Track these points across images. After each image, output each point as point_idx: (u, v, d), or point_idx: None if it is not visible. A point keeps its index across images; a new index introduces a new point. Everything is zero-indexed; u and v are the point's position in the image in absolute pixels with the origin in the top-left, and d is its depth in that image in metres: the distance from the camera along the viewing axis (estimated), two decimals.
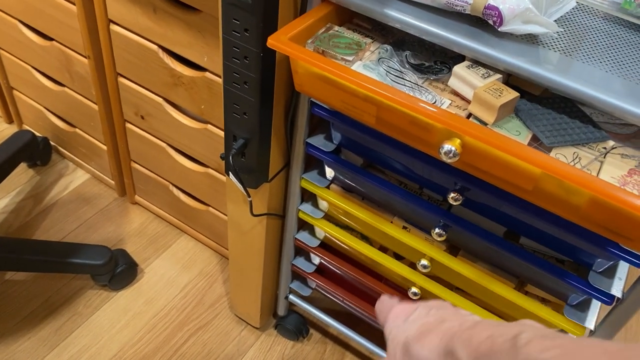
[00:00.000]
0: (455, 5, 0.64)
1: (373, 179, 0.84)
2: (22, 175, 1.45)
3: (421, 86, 0.67)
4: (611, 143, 0.61)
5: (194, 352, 1.17)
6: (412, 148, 0.68)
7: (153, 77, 1.08)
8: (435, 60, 0.71)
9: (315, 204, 0.98)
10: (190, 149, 1.15)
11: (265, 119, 0.81)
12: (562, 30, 0.67)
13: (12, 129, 1.56)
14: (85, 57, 1.16)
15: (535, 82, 0.61)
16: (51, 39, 1.22)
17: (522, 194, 0.61)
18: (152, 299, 1.24)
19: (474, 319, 0.39)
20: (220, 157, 0.89)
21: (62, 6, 1.10)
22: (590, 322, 0.76)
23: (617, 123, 0.63)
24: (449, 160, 0.60)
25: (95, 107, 1.25)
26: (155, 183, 1.31)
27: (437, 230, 0.79)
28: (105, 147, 1.34)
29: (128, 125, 1.24)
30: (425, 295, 0.91)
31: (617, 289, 0.70)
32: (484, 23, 0.64)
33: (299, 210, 0.97)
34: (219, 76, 0.96)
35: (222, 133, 1.03)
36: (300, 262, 1.07)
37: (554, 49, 0.64)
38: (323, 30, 0.71)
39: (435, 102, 0.65)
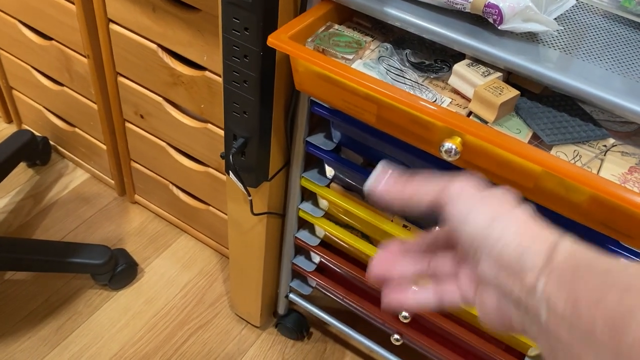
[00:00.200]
0: (455, 4, 0.64)
1: None
2: (21, 175, 1.45)
3: (421, 84, 0.67)
4: (611, 141, 0.61)
5: (195, 351, 1.17)
6: (412, 146, 0.68)
7: (153, 77, 1.08)
8: (435, 59, 0.71)
9: (316, 203, 0.98)
10: (190, 148, 1.15)
11: (265, 117, 0.81)
12: (562, 28, 0.67)
13: (12, 129, 1.56)
14: (84, 56, 1.16)
15: (535, 80, 0.61)
16: (50, 39, 1.21)
17: (523, 191, 0.61)
18: (152, 298, 1.24)
19: None
20: (221, 156, 0.89)
21: (61, 6, 1.10)
22: None
23: (618, 121, 0.63)
24: (449, 159, 0.60)
25: (95, 106, 1.25)
26: (155, 182, 1.31)
27: (437, 228, 0.79)
28: (104, 147, 1.34)
29: (128, 124, 1.24)
30: None
31: None
32: (484, 21, 0.64)
33: (299, 209, 0.97)
34: (219, 75, 0.96)
35: (222, 132, 1.03)
36: (301, 261, 1.07)
37: (554, 47, 0.64)
38: (323, 28, 0.71)
39: (435, 100, 0.65)
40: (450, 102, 0.66)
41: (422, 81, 0.68)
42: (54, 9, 1.13)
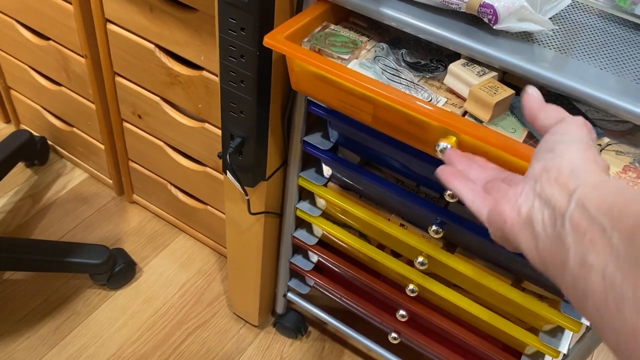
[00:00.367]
0: (451, 4, 0.64)
1: (370, 177, 0.84)
2: (19, 175, 1.45)
3: (417, 84, 0.67)
4: (606, 140, 0.62)
5: (193, 350, 1.17)
6: (409, 146, 0.68)
7: (150, 76, 1.08)
8: (431, 59, 0.72)
9: (313, 202, 0.98)
10: (188, 147, 1.15)
11: (262, 117, 0.81)
12: (557, 27, 0.68)
13: (10, 129, 1.56)
14: (82, 56, 1.17)
15: (530, 80, 0.62)
16: (48, 39, 1.22)
17: None
18: (150, 297, 1.25)
19: None
20: (218, 155, 0.90)
21: (58, 5, 1.10)
22: None
23: (612, 120, 0.63)
24: (446, 166, 0.59)
25: (93, 106, 1.25)
26: (153, 182, 1.31)
27: (434, 227, 0.80)
28: (102, 147, 1.34)
29: (125, 124, 1.24)
30: (422, 293, 0.91)
31: None
32: (479, 21, 0.64)
33: (297, 208, 0.97)
34: (216, 75, 0.96)
35: (219, 132, 1.03)
36: (299, 260, 1.07)
37: (549, 46, 0.64)
38: (319, 28, 0.71)
39: (431, 100, 0.65)
40: (446, 102, 0.66)
41: (418, 81, 0.69)
42: (51, 8, 1.13)
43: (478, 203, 0.46)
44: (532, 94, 0.46)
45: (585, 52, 0.64)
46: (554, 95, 0.65)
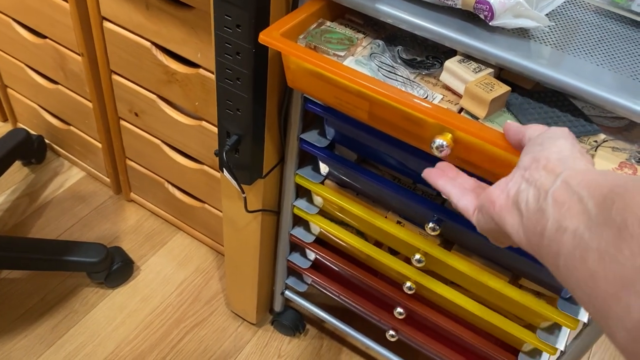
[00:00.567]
0: (447, 0, 0.64)
1: (367, 174, 0.84)
2: (17, 174, 1.45)
3: (413, 81, 0.67)
4: (602, 136, 0.61)
5: (191, 349, 1.17)
6: (405, 143, 0.68)
7: (147, 74, 1.08)
8: (427, 55, 0.71)
9: (310, 200, 0.98)
10: (185, 145, 1.15)
11: (258, 115, 0.81)
12: (554, 24, 0.67)
13: (7, 128, 1.55)
14: (78, 54, 1.16)
15: (526, 76, 0.61)
16: (45, 37, 1.21)
17: None
18: (148, 296, 1.25)
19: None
20: (215, 153, 0.90)
21: (54, 4, 1.10)
22: (584, 315, 0.76)
23: (609, 116, 0.63)
24: (440, 155, 0.60)
25: (90, 104, 1.25)
26: (151, 180, 1.31)
27: (431, 224, 0.80)
28: (100, 145, 1.34)
29: (122, 122, 1.24)
30: (420, 290, 0.91)
31: None
32: (475, 17, 0.64)
33: (294, 206, 0.97)
34: (213, 73, 0.96)
35: (216, 129, 1.03)
36: (296, 258, 1.07)
37: (545, 42, 0.64)
38: (315, 25, 0.71)
39: (427, 97, 0.65)
40: (442, 99, 0.66)
41: (414, 78, 0.68)
42: (47, 7, 1.12)
43: (465, 201, 0.49)
44: (509, 123, 0.51)
45: (582, 49, 0.64)
46: (550, 92, 0.65)
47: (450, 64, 0.64)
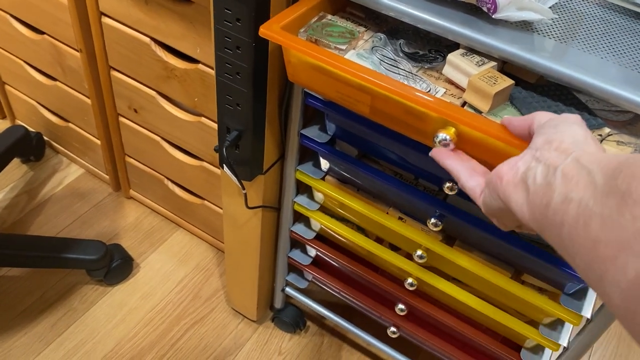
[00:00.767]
0: None
1: (368, 170, 0.83)
2: (15, 171, 1.44)
3: (415, 75, 0.67)
4: (607, 130, 0.61)
5: (191, 346, 1.17)
6: (407, 138, 0.67)
7: (146, 70, 1.07)
8: (429, 49, 0.71)
9: (311, 196, 0.97)
10: (185, 142, 1.14)
11: (258, 110, 0.80)
12: (557, 16, 0.67)
13: (5, 124, 1.55)
14: (77, 50, 1.15)
15: (530, 70, 0.61)
16: (43, 33, 1.20)
17: None
18: (148, 293, 1.24)
19: None
20: (214, 149, 0.89)
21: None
22: (587, 311, 0.75)
23: (613, 110, 0.63)
24: (441, 147, 0.59)
25: (88, 101, 1.24)
26: (150, 177, 1.30)
27: (432, 220, 0.79)
28: (99, 142, 1.33)
29: (121, 119, 1.23)
30: (421, 286, 0.90)
31: None
32: (479, 10, 0.63)
33: (294, 202, 0.96)
34: (212, 68, 0.95)
35: (216, 125, 1.02)
36: (296, 255, 1.07)
37: (549, 35, 0.63)
38: (316, 19, 0.70)
39: (429, 90, 0.65)
40: (445, 92, 0.65)
41: (416, 71, 0.68)
42: (45, 2, 1.12)
43: (473, 181, 0.49)
44: (507, 117, 0.52)
45: (586, 41, 0.63)
46: (554, 86, 0.64)
47: (453, 57, 0.64)
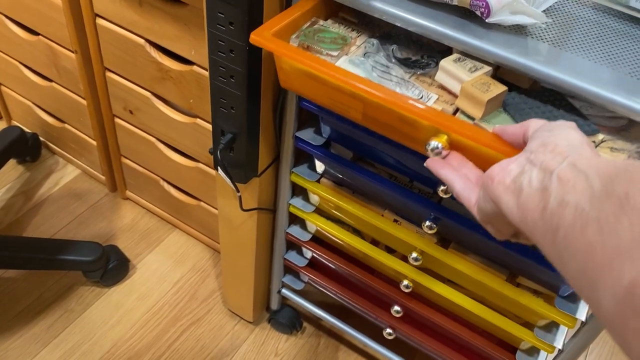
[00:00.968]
0: None
1: (363, 173, 0.83)
2: (11, 172, 1.44)
3: (408, 81, 0.66)
4: (601, 136, 0.61)
5: (188, 347, 1.17)
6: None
7: (141, 72, 1.07)
8: (422, 55, 0.70)
9: (306, 198, 0.97)
10: (180, 143, 1.14)
11: (252, 113, 0.80)
12: (551, 20, 0.67)
13: (1, 125, 1.54)
14: (72, 51, 1.15)
15: (523, 74, 0.61)
16: (38, 34, 1.20)
17: None
18: (144, 294, 1.24)
19: None
20: (209, 151, 0.89)
21: (47, 0, 1.09)
22: (582, 313, 0.75)
23: (607, 116, 0.62)
24: (436, 157, 0.59)
25: (84, 102, 1.24)
26: (146, 178, 1.30)
27: (427, 223, 0.79)
28: (94, 143, 1.33)
29: (117, 120, 1.23)
30: (417, 288, 0.90)
31: None
32: (472, 14, 0.63)
33: (290, 204, 0.96)
34: (207, 70, 0.95)
35: (211, 127, 1.02)
36: (292, 256, 1.06)
37: (542, 39, 0.63)
38: (308, 24, 0.70)
39: (422, 97, 0.64)
40: (437, 99, 0.64)
41: (409, 77, 0.67)
42: (39, 3, 1.11)
43: (467, 190, 0.48)
44: (500, 126, 0.51)
45: (580, 45, 0.63)
46: (548, 91, 0.64)
47: (446, 63, 0.63)
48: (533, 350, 0.87)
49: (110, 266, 1.21)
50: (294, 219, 1.02)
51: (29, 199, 1.39)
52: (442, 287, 0.87)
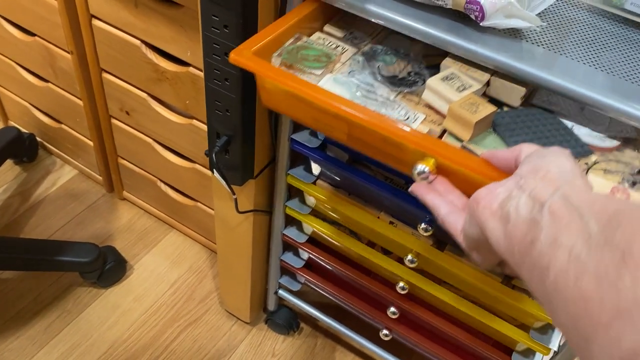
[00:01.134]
0: (437, 0, 0.63)
1: (359, 175, 0.83)
2: (8, 173, 1.44)
3: (393, 100, 0.64)
4: (593, 158, 0.59)
5: (185, 348, 1.17)
6: None
7: (137, 73, 1.06)
8: (409, 72, 0.68)
9: (303, 200, 0.97)
10: (177, 144, 1.14)
11: (247, 115, 0.80)
12: (546, 24, 0.66)
13: None
14: (68, 52, 1.15)
15: (517, 78, 0.61)
16: (34, 35, 1.20)
17: None
18: (141, 295, 1.24)
19: None
20: (205, 153, 0.88)
21: (43, 1, 1.09)
22: None
23: (600, 136, 0.61)
24: (421, 182, 0.54)
25: (80, 102, 1.24)
26: (143, 179, 1.30)
27: (423, 225, 0.79)
28: (91, 143, 1.32)
29: (113, 121, 1.23)
30: (413, 290, 0.90)
31: None
32: (466, 18, 0.63)
33: (286, 206, 0.96)
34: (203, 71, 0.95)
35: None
36: (289, 258, 1.06)
37: (537, 43, 0.63)
38: (291, 40, 0.68)
39: (408, 117, 0.62)
40: (424, 119, 0.62)
41: (394, 97, 0.65)
42: (35, 4, 1.11)
43: (453, 216, 0.46)
44: (490, 151, 0.49)
45: (575, 49, 0.63)
46: (539, 110, 0.63)
47: (433, 82, 0.61)
48: (529, 352, 0.87)
49: (107, 267, 1.21)
50: (290, 221, 1.02)
51: (25, 200, 1.39)
52: (438, 289, 0.87)
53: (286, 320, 1.18)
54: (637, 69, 0.61)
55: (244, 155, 0.84)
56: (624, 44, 0.65)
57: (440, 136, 0.62)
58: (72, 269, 1.22)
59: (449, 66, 0.65)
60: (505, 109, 0.65)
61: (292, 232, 1.01)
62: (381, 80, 0.67)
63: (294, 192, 0.97)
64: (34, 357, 1.12)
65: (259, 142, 0.86)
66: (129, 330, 1.18)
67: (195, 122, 1.06)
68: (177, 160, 1.17)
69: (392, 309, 0.95)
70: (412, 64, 0.69)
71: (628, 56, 0.63)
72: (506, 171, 0.47)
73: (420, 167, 0.52)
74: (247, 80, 0.75)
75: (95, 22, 1.05)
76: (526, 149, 0.44)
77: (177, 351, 1.16)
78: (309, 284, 1.07)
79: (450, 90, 0.60)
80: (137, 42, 1.01)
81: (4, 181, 1.42)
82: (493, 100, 0.63)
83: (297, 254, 1.07)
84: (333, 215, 0.95)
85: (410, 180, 0.83)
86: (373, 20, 0.65)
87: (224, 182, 0.86)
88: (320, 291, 1.06)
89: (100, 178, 1.41)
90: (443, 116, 0.62)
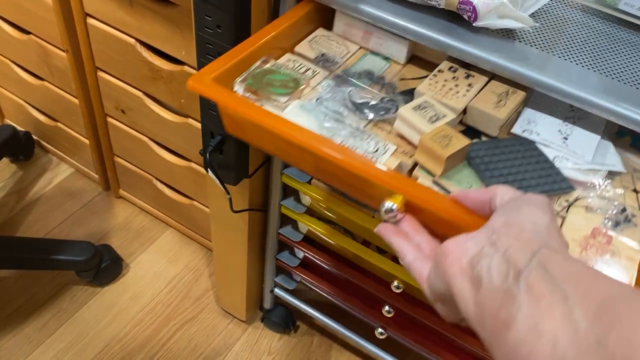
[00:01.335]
0: (430, 0, 0.63)
1: None
2: (4, 171, 1.44)
3: (363, 130, 0.60)
4: (575, 194, 0.56)
5: (181, 346, 1.17)
6: None
7: (132, 71, 1.06)
8: (382, 98, 0.64)
9: (298, 199, 0.97)
10: (172, 142, 1.13)
11: None
12: (539, 24, 0.66)
13: None
14: (63, 50, 1.15)
15: (510, 79, 0.60)
16: (29, 33, 1.19)
17: None
18: (137, 293, 1.24)
19: None
20: (199, 153, 0.88)
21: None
22: None
23: (583, 169, 0.58)
24: (387, 223, 0.50)
25: (76, 101, 1.24)
26: (139, 177, 1.30)
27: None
28: (87, 141, 1.32)
29: (109, 119, 1.22)
30: (407, 289, 0.90)
31: None
32: (459, 18, 0.63)
33: (281, 205, 0.96)
34: (197, 70, 0.95)
35: None
36: (285, 256, 1.06)
37: (530, 43, 0.63)
38: (258, 63, 0.64)
39: (377, 149, 0.59)
40: (395, 150, 0.59)
41: (364, 126, 0.62)
42: (30, 2, 1.11)
43: (419, 262, 0.43)
44: (462, 191, 0.46)
45: (568, 49, 0.63)
46: (518, 140, 0.61)
47: (404, 111, 0.59)
48: None
49: (103, 265, 1.21)
50: (286, 220, 1.02)
51: (21, 198, 1.38)
52: None
53: (282, 319, 1.18)
54: (630, 70, 0.61)
55: (238, 155, 0.84)
56: (618, 44, 0.65)
57: (412, 169, 0.59)
58: (68, 268, 1.22)
59: (423, 93, 0.63)
60: (484, 138, 0.62)
61: (287, 231, 1.01)
62: (351, 108, 0.63)
63: (289, 191, 0.97)
64: (30, 356, 1.12)
65: None
66: (125, 328, 1.18)
67: (190, 120, 1.05)
68: (172, 158, 1.17)
69: (387, 307, 0.95)
70: (386, 88, 0.66)
71: (621, 57, 0.63)
72: (479, 214, 0.44)
73: (388, 204, 0.49)
74: None
75: (90, 20, 1.05)
76: (501, 192, 0.41)
77: (173, 349, 1.16)
78: (304, 282, 1.08)
79: (422, 121, 0.57)
80: (132, 40, 1.01)
81: (0, 179, 1.42)
82: (470, 129, 0.60)
83: (292, 253, 1.07)
84: (328, 214, 0.95)
85: None
86: (364, 19, 0.65)
87: (218, 182, 0.86)
88: (316, 290, 1.06)
89: (96, 176, 1.40)
90: (415, 147, 0.59)
